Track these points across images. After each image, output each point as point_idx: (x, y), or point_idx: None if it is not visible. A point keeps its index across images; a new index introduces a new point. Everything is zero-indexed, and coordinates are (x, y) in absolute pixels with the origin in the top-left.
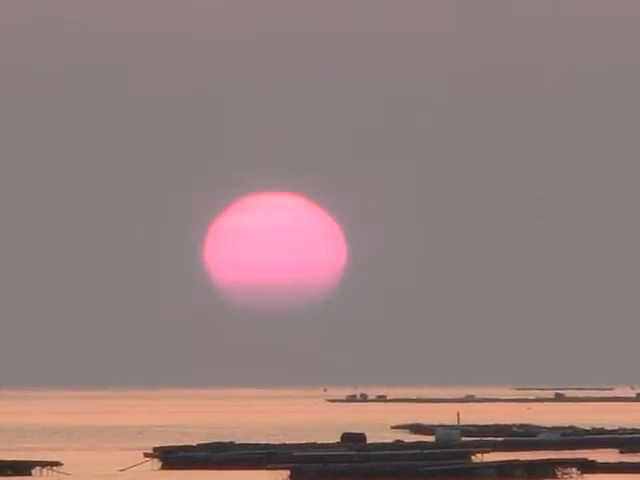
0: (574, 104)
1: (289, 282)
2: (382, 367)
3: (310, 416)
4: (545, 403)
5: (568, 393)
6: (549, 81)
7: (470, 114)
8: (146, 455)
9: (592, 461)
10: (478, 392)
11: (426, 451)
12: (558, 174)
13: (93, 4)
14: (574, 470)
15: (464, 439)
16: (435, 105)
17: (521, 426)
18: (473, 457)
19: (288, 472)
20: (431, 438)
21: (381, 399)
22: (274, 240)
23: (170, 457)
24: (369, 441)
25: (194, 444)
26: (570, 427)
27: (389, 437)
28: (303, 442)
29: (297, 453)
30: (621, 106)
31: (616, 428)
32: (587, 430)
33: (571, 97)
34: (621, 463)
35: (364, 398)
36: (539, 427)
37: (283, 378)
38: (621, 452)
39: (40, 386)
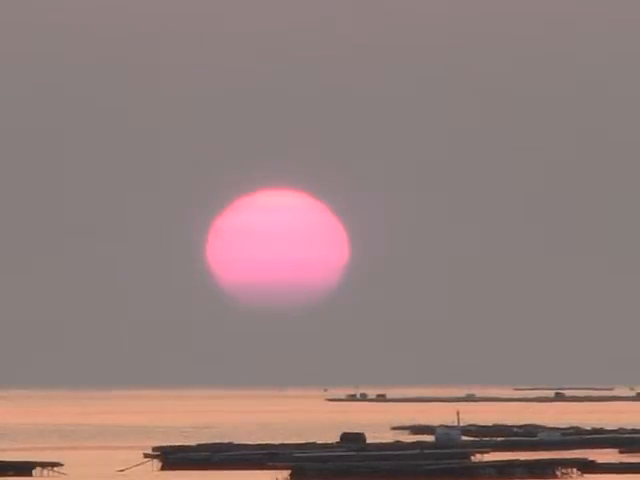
0: (574, 101)
1: (289, 281)
2: (382, 367)
3: (310, 416)
4: (545, 403)
5: (568, 393)
6: (549, 80)
7: (471, 114)
8: (146, 455)
9: (592, 461)
10: (478, 392)
11: (426, 451)
12: (557, 174)
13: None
14: (574, 470)
15: (464, 439)
16: (437, 105)
17: (521, 426)
18: (473, 457)
19: (288, 472)
20: (431, 438)
21: (381, 398)
22: (274, 239)
23: (170, 457)
24: (369, 441)
25: (194, 444)
26: (571, 427)
27: (389, 437)
28: (303, 442)
29: (297, 453)
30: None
31: (616, 428)
32: (587, 430)
33: (571, 94)
34: (621, 463)
35: (364, 397)
36: (539, 427)
37: (283, 378)
38: (621, 452)
39: (40, 386)
